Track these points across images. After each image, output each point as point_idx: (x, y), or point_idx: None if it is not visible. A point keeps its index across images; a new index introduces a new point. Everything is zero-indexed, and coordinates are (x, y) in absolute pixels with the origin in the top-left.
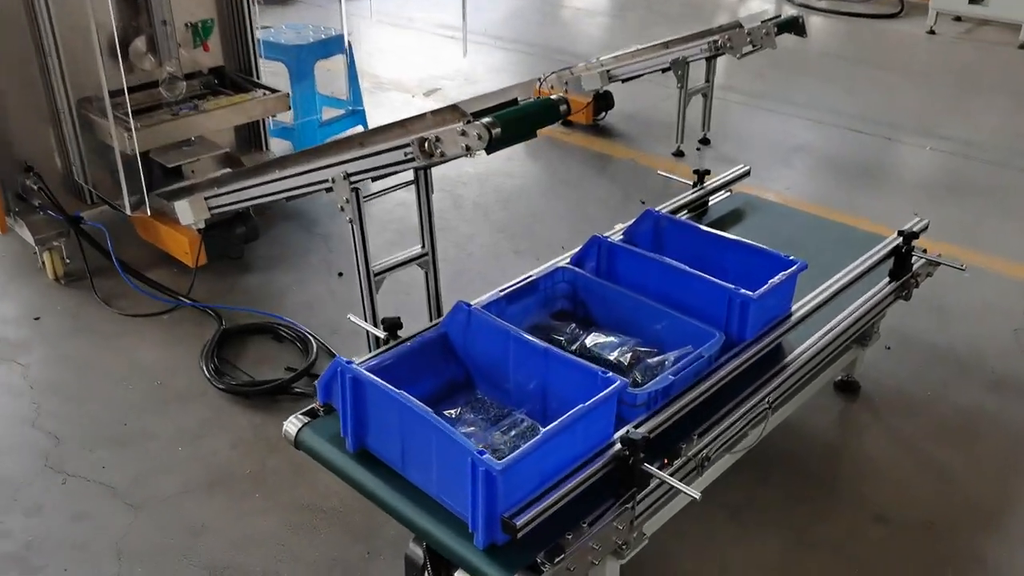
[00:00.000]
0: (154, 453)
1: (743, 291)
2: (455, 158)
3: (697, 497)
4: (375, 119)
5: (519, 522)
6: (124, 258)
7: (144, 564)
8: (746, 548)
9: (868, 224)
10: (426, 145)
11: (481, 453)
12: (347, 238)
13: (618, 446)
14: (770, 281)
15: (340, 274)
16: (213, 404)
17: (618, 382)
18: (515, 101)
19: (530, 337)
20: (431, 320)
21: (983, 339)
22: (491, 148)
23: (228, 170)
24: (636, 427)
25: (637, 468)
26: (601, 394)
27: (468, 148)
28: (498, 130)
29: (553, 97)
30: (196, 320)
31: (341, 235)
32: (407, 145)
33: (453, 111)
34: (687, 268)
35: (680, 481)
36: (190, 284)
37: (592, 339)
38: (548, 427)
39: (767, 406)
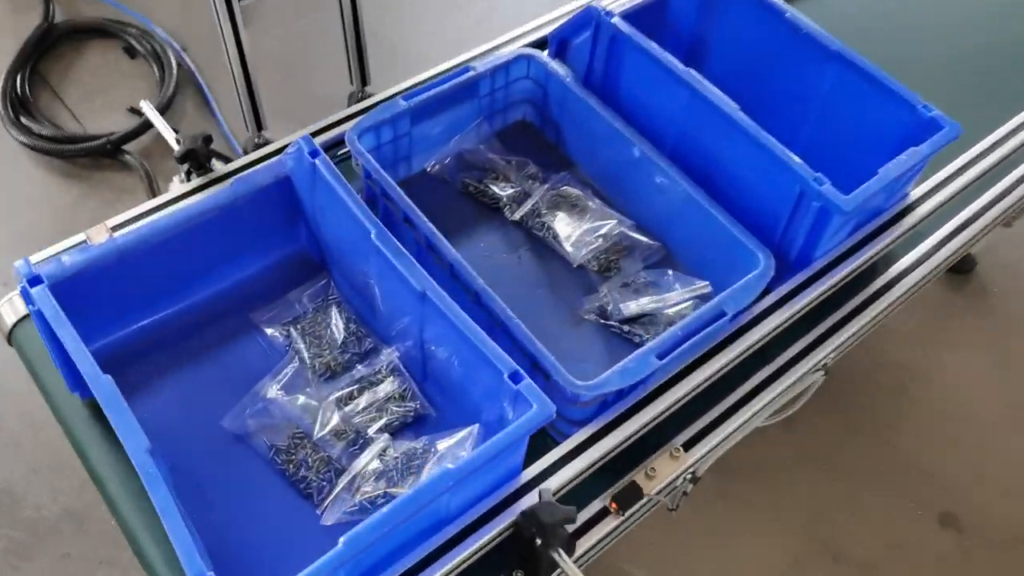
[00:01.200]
0: None
1: (826, 187)
2: None
3: None
4: None
5: None
6: None
7: None
8: (733, 555)
9: None
10: None
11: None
12: None
13: (517, 515)
14: (882, 170)
15: None
16: (7, 159)
17: (533, 409)
18: None
19: (401, 253)
20: (351, 98)
21: None
22: None
23: None
24: (563, 462)
25: (546, 556)
26: (504, 432)
27: None
28: None
29: None
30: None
31: None
32: None
33: None
34: (736, 111)
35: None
36: None
37: (551, 205)
38: (382, 511)
39: (822, 373)
